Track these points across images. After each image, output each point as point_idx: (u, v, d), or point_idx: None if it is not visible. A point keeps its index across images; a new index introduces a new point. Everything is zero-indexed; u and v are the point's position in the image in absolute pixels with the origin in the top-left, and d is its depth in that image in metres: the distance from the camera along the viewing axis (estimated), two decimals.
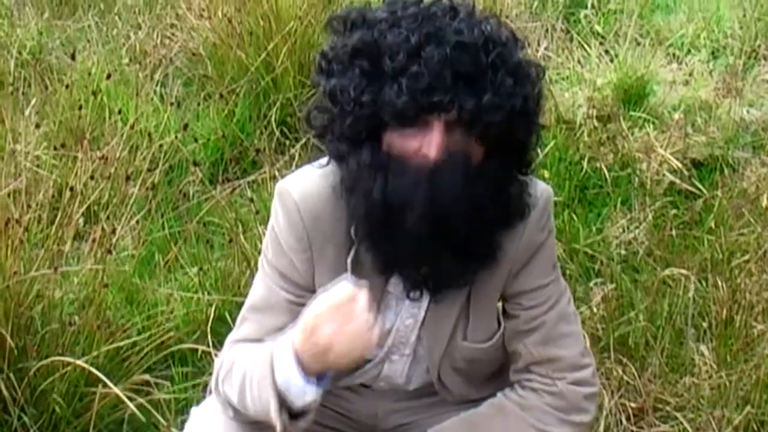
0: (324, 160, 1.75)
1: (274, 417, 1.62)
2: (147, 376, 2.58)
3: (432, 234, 1.62)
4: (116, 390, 2.38)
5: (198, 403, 1.89)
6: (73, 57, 3.74)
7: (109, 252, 2.74)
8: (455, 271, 1.70)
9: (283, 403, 1.62)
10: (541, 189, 1.80)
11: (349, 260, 1.74)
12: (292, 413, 1.64)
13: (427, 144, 1.62)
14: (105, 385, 2.42)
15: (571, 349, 1.83)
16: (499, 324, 1.87)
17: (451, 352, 1.84)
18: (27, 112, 3.64)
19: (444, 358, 1.85)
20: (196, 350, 2.72)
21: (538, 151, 1.79)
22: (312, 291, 1.76)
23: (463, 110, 1.59)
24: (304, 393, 1.61)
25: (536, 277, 1.81)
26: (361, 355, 1.60)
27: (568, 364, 1.82)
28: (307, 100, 3.70)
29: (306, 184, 1.75)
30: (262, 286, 1.81)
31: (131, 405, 2.36)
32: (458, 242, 1.66)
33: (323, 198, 1.72)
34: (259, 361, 1.66)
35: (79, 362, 2.43)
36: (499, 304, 1.87)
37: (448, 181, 1.61)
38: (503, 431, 1.82)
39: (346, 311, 1.57)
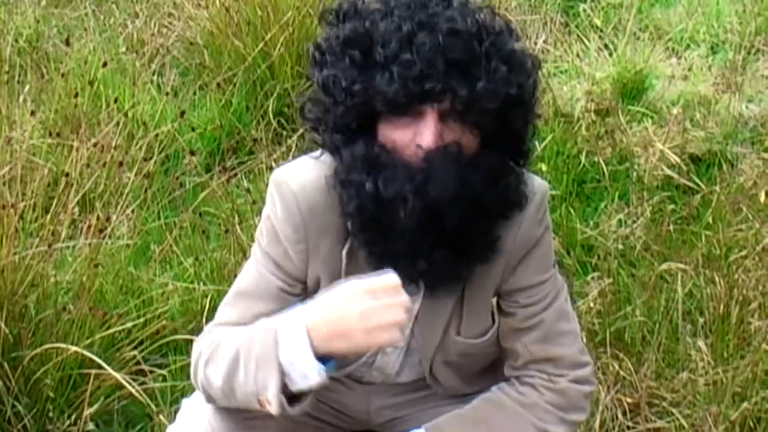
0: (318, 152, 1.74)
1: (273, 397, 1.56)
2: (141, 362, 2.57)
3: (426, 228, 1.60)
4: (113, 372, 2.36)
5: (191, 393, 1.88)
6: (67, 43, 3.70)
7: (101, 231, 2.72)
8: (453, 267, 1.68)
9: (282, 383, 1.57)
10: (538, 184, 1.77)
11: (344, 252, 1.72)
12: (288, 396, 1.59)
13: (420, 134, 1.60)
14: (99, 372, 2.41)
15: (570, 347, 1.81)
16: (494, 320, 1.85)
17: (445, 347, 1.83)
18: (22, 100, 3.61)
19: (437, 353, 1.84)
20: (191, 341, 2.70)
21: (536, 144, 1.78)
22: (303, 282, 1.75)
23: (457, 98, 1.57)
24: (307, 375, 1.56)
25: (533, 273, 1.79)
26: (381, 346, 1.55)
27: (568, 362, 1.80)
28: (305, 90, 3.69)
29: (303, 174, 1.73)
30: (254, 272, 1.78)
31: (129, 387, 2.35)
32: (455, 237, 1.64)
33: (320, 189, 1.70)
34: (257, 338, 1.61)
35: (73, 348, 2.43)
36: (494, 301, 1.85)
37: (440, 173, 1.59)
38: (504, 429, 1.80)
39: (383, 298, 1.52)
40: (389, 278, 1.54)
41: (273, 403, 1.58)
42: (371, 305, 1.52)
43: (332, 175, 1.68)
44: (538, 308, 1.79)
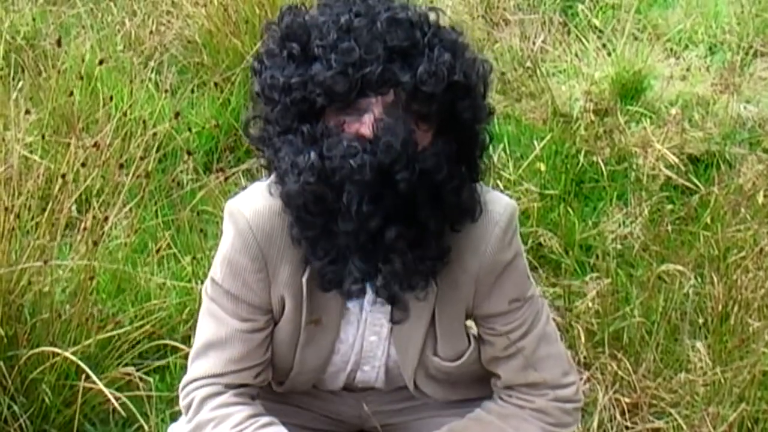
0: (267, 177, 1.68)
1: None
2: (133, 369, 2.55)
3: (374, 209, 1.52)
4: (102, 387, 2.34)
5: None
6: (59, 44, 3.67)
7: (95, 244, 2.70)
8: (405, 272, 1.59)
9: None
10: (505, 204, 1.70)
11: (304, 280, 1.67)
12: None
13: (365, 124, 1.53)
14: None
15: (552, 371, 1.79)
16: (470, 341, 1.81)
17: (424, 363, 1.80)
18: (14, 96, 3.59)
19: (418, 369, 1.81)
20: (188, 339, 2.70)
21: (490, 159, 1.71)
22: (267, 311, 1.71)
23: (399, 86, 1.51)
24: None
25: (507, 299, 1.74)
26: None
27: (549, 386, 1.79)
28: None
29: (257, 201, 1.67)
30: (212, 322, 1.73)
31: (115, 403, 2.33)
32: (405, 231, 1.55)
33: (276, 213, 1.64)
34: None
35: (67, 354, 2.40)
36: (472, 326, 1.83)
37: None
38: None
39: None
40: None
41: None
42: None
43: (275, 180, 1.60)
44: (517, 335, 1.76)
